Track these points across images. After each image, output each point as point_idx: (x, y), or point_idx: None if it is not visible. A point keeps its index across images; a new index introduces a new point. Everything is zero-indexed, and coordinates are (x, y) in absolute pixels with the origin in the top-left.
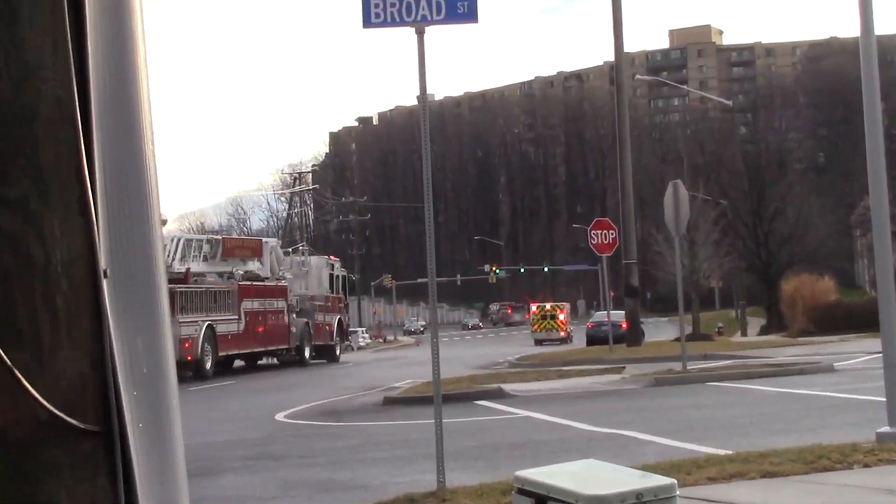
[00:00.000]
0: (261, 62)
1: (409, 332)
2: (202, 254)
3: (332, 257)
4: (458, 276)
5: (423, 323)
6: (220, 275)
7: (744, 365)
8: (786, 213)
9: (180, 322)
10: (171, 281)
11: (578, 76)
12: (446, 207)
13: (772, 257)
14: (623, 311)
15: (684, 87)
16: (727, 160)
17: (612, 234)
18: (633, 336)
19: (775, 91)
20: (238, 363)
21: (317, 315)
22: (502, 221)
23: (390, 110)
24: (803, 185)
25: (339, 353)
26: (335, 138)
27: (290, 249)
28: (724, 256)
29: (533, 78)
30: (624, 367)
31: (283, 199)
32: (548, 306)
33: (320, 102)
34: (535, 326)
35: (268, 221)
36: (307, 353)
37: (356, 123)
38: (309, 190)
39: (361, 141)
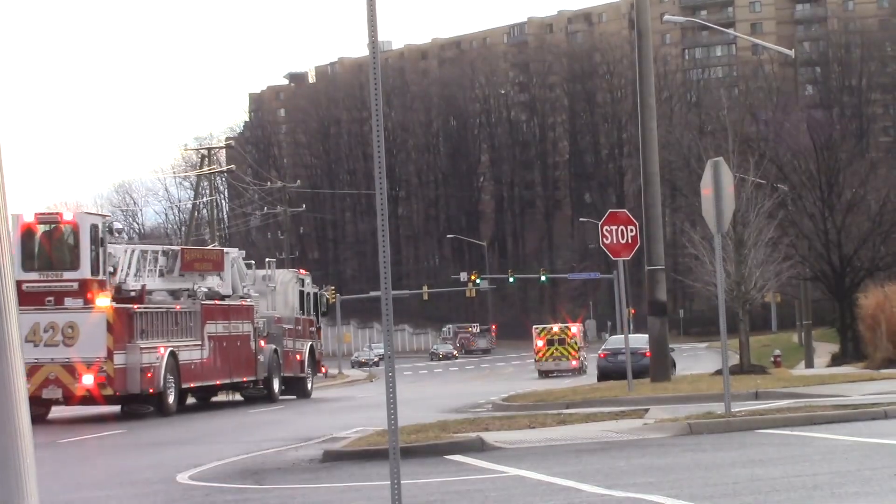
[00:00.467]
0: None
1: (359, 364)
2: (157, 267)
3: (301, 270)
4: (425, 289)
5: (379, 352)
6: (173, 293)
7: (808, 406)
8: (866, 202)
9: (141, 348)
10: (126, 300)
11: (587, 17)
12: (409, 196)
13: (847, 262)
14: (646, 335)
15: (730, 31)
16: (788, 131)
17: (632, 231)
18: (659, 368)
19: (853, 37)
20: (191, 400)
21: (286, 341)
22: (484, 215)
23: (331, 64)
24: (891, 165)
25: (311, 387)
26: (258, 102)
27: (253, 262)
28: (782, 262)
29: (525, 20)
30: (647, 410)
31: (186, 184)
32: (555, 328)
33: (238, 54)
34: (539, 354)
35: (166, 214)
36: (276, 387)
37: (286, 82)
38: (222, 172)
39: (293, 105)
